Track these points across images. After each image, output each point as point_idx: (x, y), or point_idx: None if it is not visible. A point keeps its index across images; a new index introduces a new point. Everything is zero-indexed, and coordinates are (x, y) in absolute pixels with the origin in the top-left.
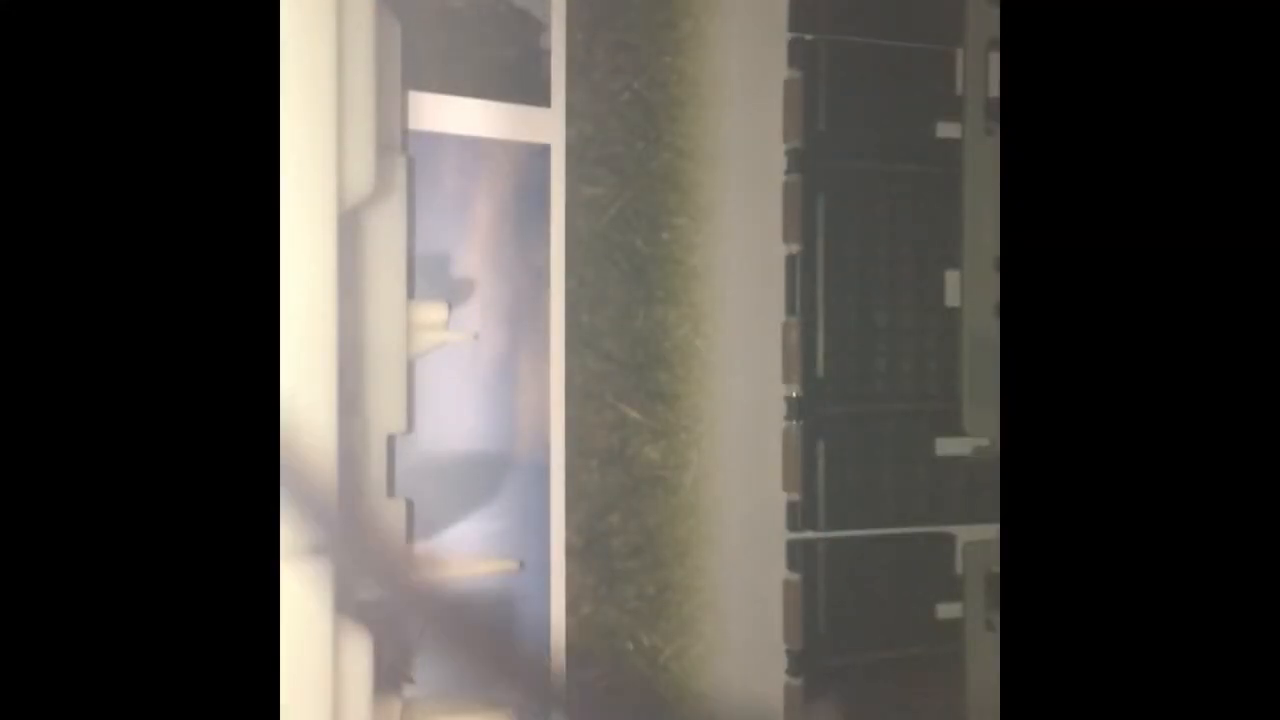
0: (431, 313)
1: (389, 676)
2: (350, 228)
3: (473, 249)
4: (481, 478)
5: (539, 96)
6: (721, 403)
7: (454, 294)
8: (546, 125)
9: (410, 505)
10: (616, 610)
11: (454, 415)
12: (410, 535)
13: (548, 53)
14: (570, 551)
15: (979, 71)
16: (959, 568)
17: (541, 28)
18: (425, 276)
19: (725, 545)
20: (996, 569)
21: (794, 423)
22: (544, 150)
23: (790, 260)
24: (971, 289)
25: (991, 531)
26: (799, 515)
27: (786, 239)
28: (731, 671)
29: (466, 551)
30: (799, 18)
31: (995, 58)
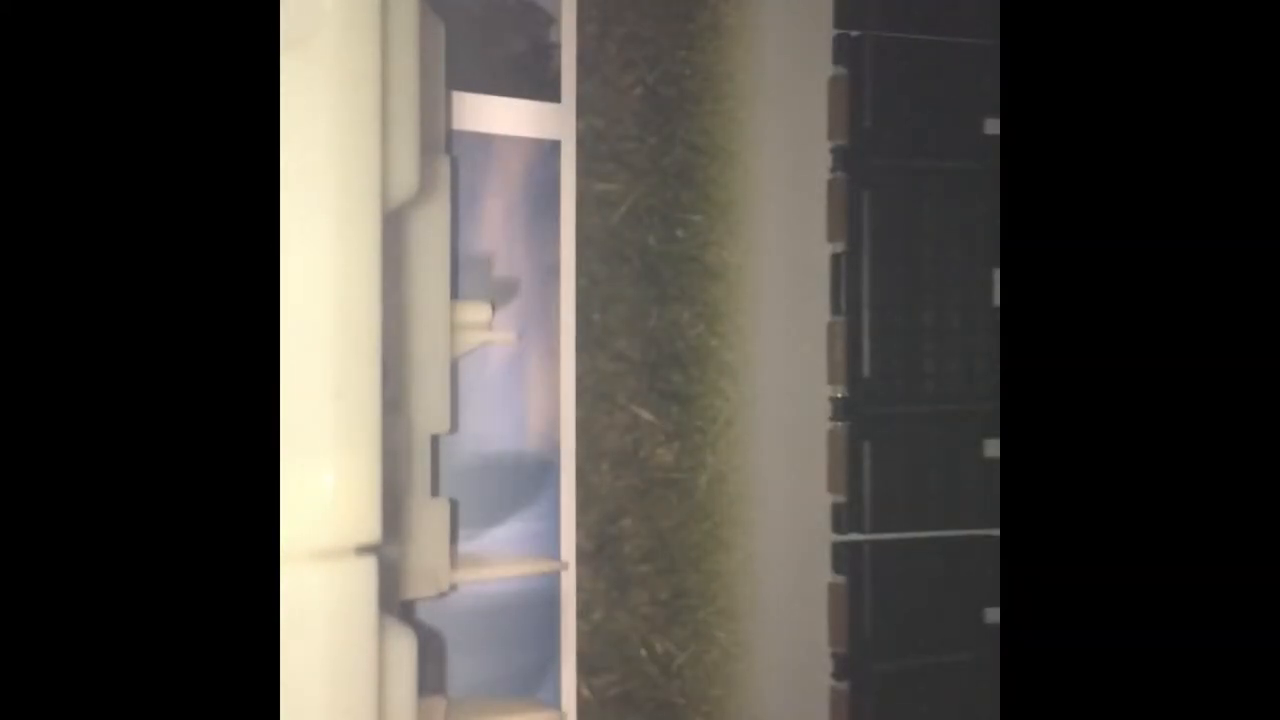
0: (475, 312)
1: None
2: (394, 228)
3: (485, 246)
4: (499, 479)
5: (549, 91)
6: (744, 403)
7: (475, 292)
8: (557, 121)
9: (454, 505)
10: (629, 616)
11: (488, 415)
12: (454, 535)
13: (557, 46)
14: (581, 555)
15: None
16: None
17: (551, 20)
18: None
19: (759, 548)
20: None
21: (839, 424)
22: (554, 146)
23: (835, 259)
24: None
25: None
26: (844, 517)
27: (831, 237)
28: (774, 675)
29: (509, 552)
30: (844, 14)
31: None
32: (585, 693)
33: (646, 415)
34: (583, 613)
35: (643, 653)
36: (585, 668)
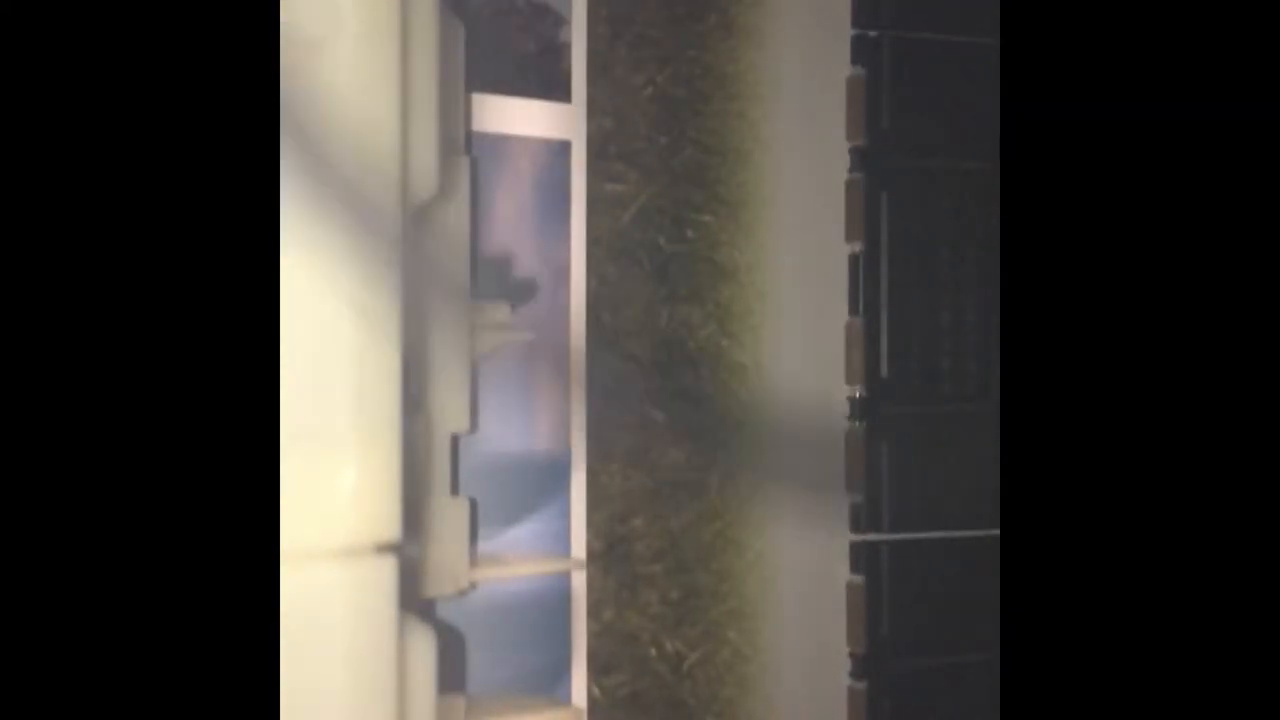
0: (494, 313)
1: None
2: (414, 228)
3: (496, 246)
4: (516, 479)
5: (559, 92)
6: (757, 404)
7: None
8: (567, 121)
9: (474, 504)
10: (639, 616)
11: (503, 415)
12: (474, 534)
13: (568, 47)
14: (592, 555)
15: None
16: None
17: (562, 21)
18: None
19: (777, 548)
20: None
21: (857, 423)
22: (564, 146)
23: (853, 259)
24: None
25: None
26: (862, 517)
27: (849, 238)
28: (791, 675)
29: (527, 551)
30: (862, 14)
31: None
32: (596, 692)
33: (657, 415)
34: (593, 612)
35: (653, 652)
36: (596, 667)
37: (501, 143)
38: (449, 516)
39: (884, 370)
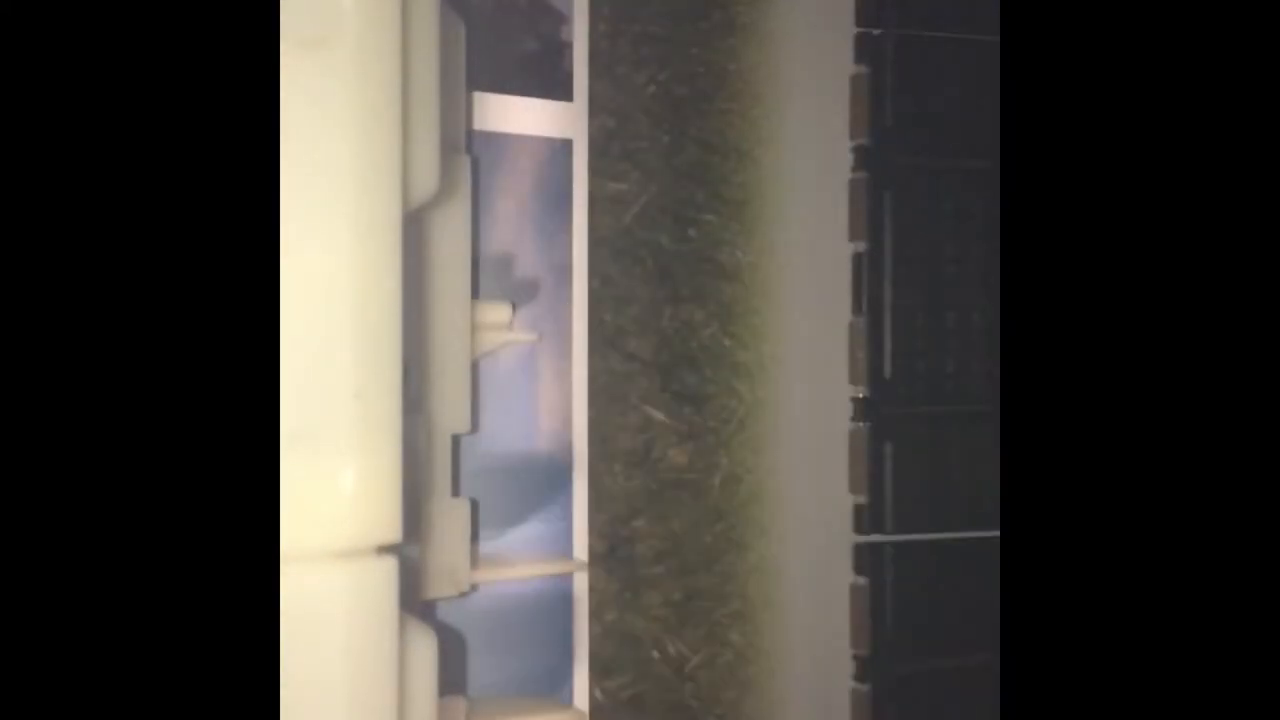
0: (495, 313)
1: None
2: (415, 228)
3: (497, 246)
4: (517, 480)
5: (561, 90)
6: (759, 404)
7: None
8: (568, 120)
9: (475, 504)
10: (642, 618)
11: (503, 416)
12: (475, 535)
13: (569, 45)
14: (594, 557)
15: None
16: None
17: (563, 19)
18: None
19: (779, 549)
20: None
21: (861, 424)
22: (566, 145)
23: (856, 259)
24: None
25: None
26: (866, 518)
27: (853, 237)
28: (794, 677)
29: (528, 552)
30: (866, 12)
31: None
32: (598, 695)
33: (659, 416)
34: (595, 614)
35: (655, 655)
36: (598, 669)
37: (503, 142)
38: (450, 517)
39: (887, 371)
